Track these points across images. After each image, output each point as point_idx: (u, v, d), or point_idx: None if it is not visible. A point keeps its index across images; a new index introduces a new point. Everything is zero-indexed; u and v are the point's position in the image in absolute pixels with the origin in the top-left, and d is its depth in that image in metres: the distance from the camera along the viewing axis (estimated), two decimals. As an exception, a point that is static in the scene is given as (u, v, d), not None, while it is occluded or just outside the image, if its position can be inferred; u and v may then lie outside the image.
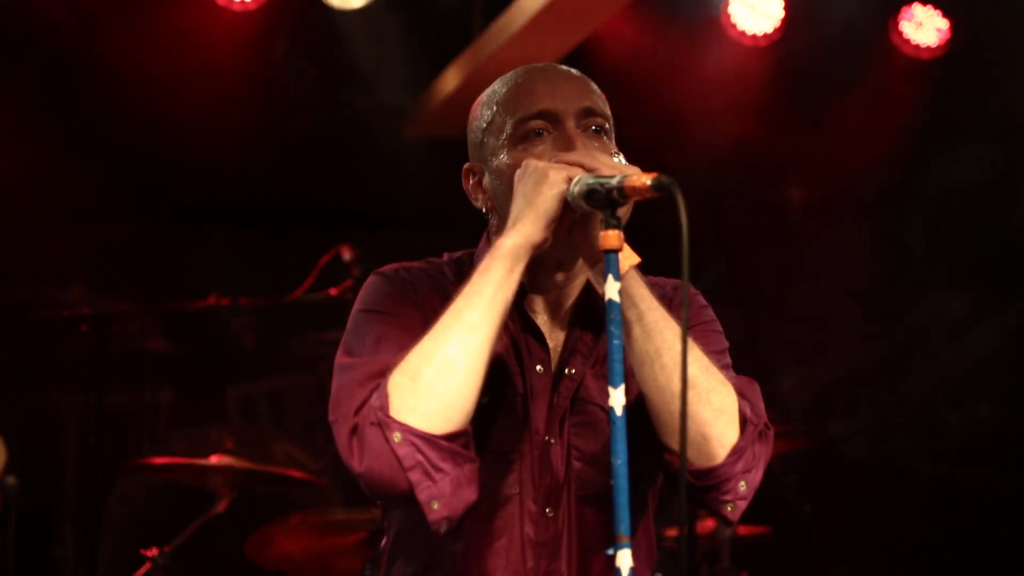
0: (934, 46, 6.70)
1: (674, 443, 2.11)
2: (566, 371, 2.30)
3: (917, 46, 6.69)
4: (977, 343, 6.97)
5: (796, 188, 6.90)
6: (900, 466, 7.04)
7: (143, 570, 4.61)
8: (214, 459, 4.75)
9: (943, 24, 6.70)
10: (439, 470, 2.02)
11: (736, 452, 2.11)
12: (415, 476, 2.01)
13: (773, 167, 6.83)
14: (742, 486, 2.13)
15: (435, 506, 2.03)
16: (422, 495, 2.02)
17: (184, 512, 4.83)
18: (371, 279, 2.34)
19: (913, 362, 7.11)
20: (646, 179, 1.95)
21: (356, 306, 2.31)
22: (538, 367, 2.29)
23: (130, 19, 5.81)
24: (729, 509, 2.15)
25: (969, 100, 6.80)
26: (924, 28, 6.68)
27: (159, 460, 4.97)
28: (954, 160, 6.81)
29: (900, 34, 6.68)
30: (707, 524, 5.27)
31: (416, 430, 2.01)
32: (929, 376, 7.07)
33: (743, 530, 5.35)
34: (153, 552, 4.60)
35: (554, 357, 2.31)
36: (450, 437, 2.04)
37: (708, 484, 2.12)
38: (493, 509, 2.25)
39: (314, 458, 5.98)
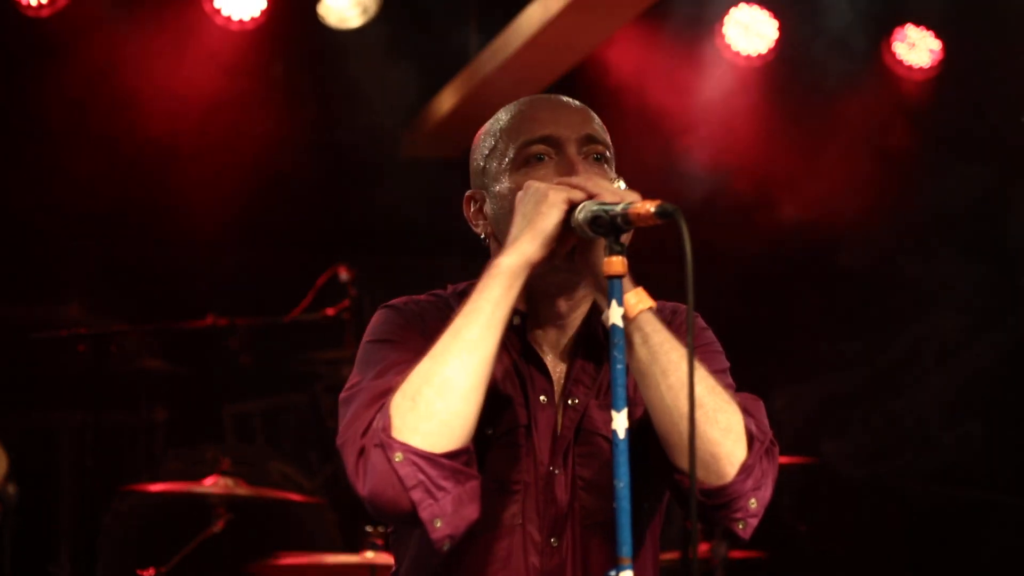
0: (927, 67, 6.75)
1: (684, 463, 2.12)
2: (569, 401, 2.31)
3: (910, 67, 6.74)
4: (969, 363, 6.99)
5: (789, 207, 6.92)
6: (893, 486, 7.05)
7: (139, 589, 4.61)
8: (209, 481, 4.76)
9: (936, 45, 6.75)
10: (441, 488, 2.03)
11: (745, 470, 2.12)
12: (417, 495, 2.02)
13: (767, 187, 6.85)
14: (752, 503, 2.14)
15: (438, 524, 2.03)
16: (424, 514, 2.03)
17: (180, 532, 4.83)
18: (379, 312, 2.36)
19: (905, 382, 7.12)
20: (650, 206, 1.97)
21: (364, 338, 2.32)
22: (542, 397, 2.30)
23: (129, 37, 5.83)
24: (741, 527, 2.16)
25: (962, 120, 6.84)
26: (917, 49, 6.74)
27: (155, 487, 4.97)
28: (946, 180, 6.84)
29: (893, 55, 6.73)
30: (701, 547, 5.27)
31: (417, 449, 2.02)
32: (921, 396, 7.08)
33: (737, 553, 5.35)
34: (149, 572, 4.60)
35: (557, 387, 2.33)
36: (451, 455, 2.04)
37: (719, 503, 2.13)
38: (498, 539, 2.26)
39: (309, 477, 5.98)
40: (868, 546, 6.78)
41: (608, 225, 2.03)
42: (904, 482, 7.03)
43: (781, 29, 6.51)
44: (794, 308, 6.90)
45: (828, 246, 6.84)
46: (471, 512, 2.07)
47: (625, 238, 2.07)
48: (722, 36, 6.49)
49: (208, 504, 4.78)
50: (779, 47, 6.53)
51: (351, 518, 5.28)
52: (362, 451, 2.06)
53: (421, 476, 2.02)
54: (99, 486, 5.24)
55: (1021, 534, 6.69)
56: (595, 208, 2.06)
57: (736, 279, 6.68)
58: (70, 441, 6.00)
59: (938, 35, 6.75)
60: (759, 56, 6.52)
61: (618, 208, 2.02)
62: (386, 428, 2.03)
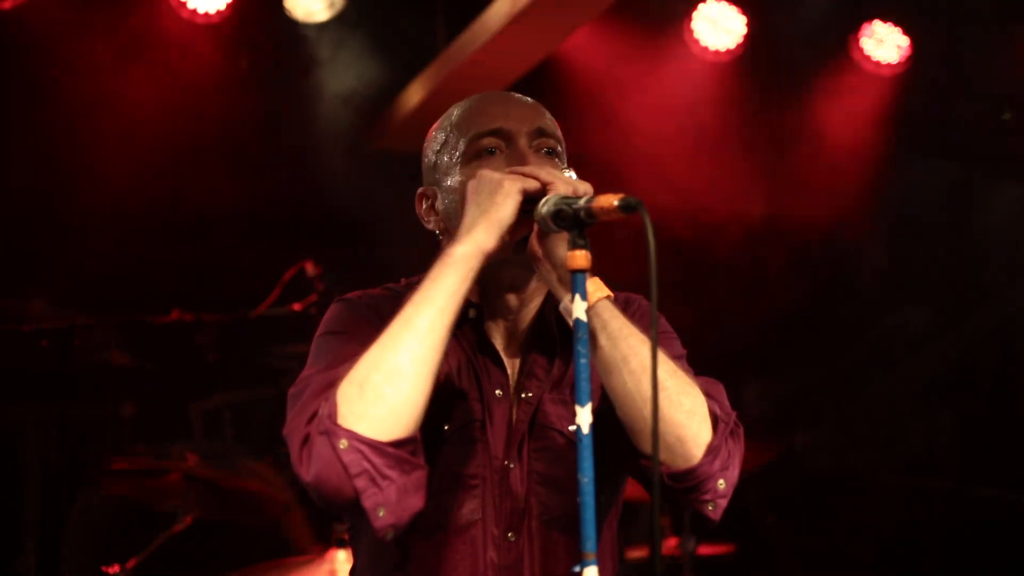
0: (895, 63, 6.76)
1: (649, 448, 2.12)
2: (523, 395, 2.31)
3: (878, 63, 6.76)
4: (938, 354, 7.02)
5: (758, 203, 6.93)
6: (863, 477, 7.07)
7: (104, 586, 4.58)
8: (175, 476, 4.73)
9: (904, 41, 6.77)
10: (385, 477, 2.00)
11: (712, 451, 2.12)
12: (361, 483, 1.99)
13: (735, 181, 6.86)
14: (721, 484, 2.14)
15: (381, 513, 2.01)
16: (368, 502, 2.00)
17: (147, 527, 4.80)
18: (333, 305, 2.36)
19: (875, 374, 7.15)
20: (614, 200, 1.97)
21: (317, 332, 2.32)
22: (497, 391, 2.31)
23: (94, 29, 5.79)
24: (711, 508, 2.16)
25: (930, 116, 6.86)
26: (885, 45, 6.76)
27: (120, 465, 4.93)
28: (915, 175, 6.87)
29: (861, 51, 6.75)
30: (668, 544, 5.28)
31: (363, 437, 1.99)
32: (891, 387, 7.11)
33: (705, 549, 5.36)
34: (114, 568, 4.57)
35: (512, 381, 2.33)
36: (397, 444, 2.01)
37: (688, 485, 2.13)
38: (457, 534, 2.26)
39: (278, 472, 5.95)
40: (838, 537, 6.80)
41: (571, 219, 2.02)
42: (874, 473, 7.06)
43: (749, 24, 6.52)
44: (764, 301, 6.91)
45: (798, 239, 6.85)
46: (415, 502, 2.05)
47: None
48: (690, 31, 6.49)
49: (174, 502, 4.75)
50: (747, 42, 6.53)
51: (320, 514, 5.25)
52: (307, 438, 2.04)
53: (366, 464, 2.00)
54: (65, 482, 5.19)
55: (991, 525, 6.72)
56: (558, 202, 2.06)
57: (706, 273, 6.69)
58: (35, 436, 5.95)
59: (906, 31, 6.77)
60: (727, 51, 6.53)
61: (581, 202, 2.02)
62: (332, 415, 2.01)
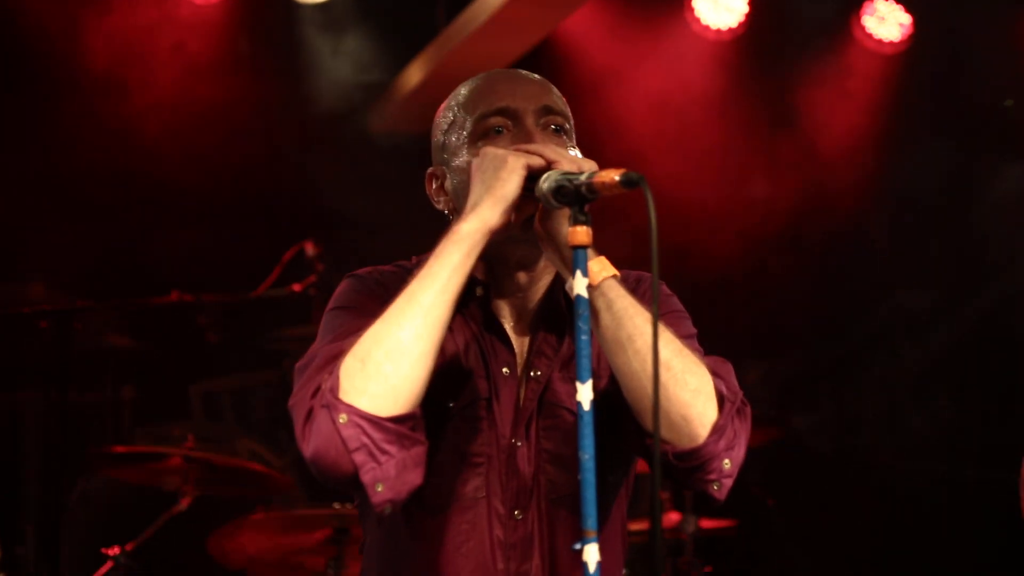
0: (896, 41, 6.74)
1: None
2: (532, 373, 2.30)
3: (880, 41, 6.73)
4: (938, 339, 7.01)
5: (760, 183, 6.91)
6: (862, 460, 7.07)
7: (104, 569, 4.58)
8: (175, 462, 4.72)
9: (905, 19, 6.75)
10: (384, 452, 2.00)
11: (717, 430, 2.10)
12: (359, 458, 1.99)
13: (737, 162, 6.84)
14: (726, 464, 2.12)
15: (379, 488, 2.01)
16: (366, 477, 2.00)
17: (146, 510, 4.80)
18: (344, 281, 2.36)
19: (875, 358, 7.14)
20: (615, 175, 1.95)
21: (327, 308, 2.31)
22: (504, 369, 2.30)
23: (93, 12, 5.77)
24: (715, 488, 2.14)
25: (931, 95, 6.84)
26: (886, 23, 6.73)
27: (121, 449, 4.93)
28: (916, 155, 6.84)
29: (863, 29, 6.72)
30: (671, 518, 5.27)
31: (362, 412, 2.00)
32: (891, 371, 7.10)
33: (707, 524, 5.36)
34: (114, 551, 4.57)
35: (520, 360, 2.32)
36: (397, 420, 2.02)
37: (693, 465, 2.11)
38: (461, 512, 2.26)
39: (278, 455, 5.95)
40: (837, 520, 6.80)
41: (572, 195, 2.01)
42: (873, 456, 7.06)
43: (751, 3, 6.49)
44: (763, 284, 6.89)
45: (798, 221, 6.83)
46: (414, 478, 2.05)
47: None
48: (691, 9, 6.47)
49: (173, 483, 4.75)
50: (749, 21, 6.51)
51: (320, 495, 5.25)
52: (310, 412, 2.04)
53: (365, 439, 2.00)
54: (65, 466, 5.18)
55: (989, 508, 6.72)
56: (559, 178, 2.04)
57: (706, 254, 6.67)
58: (34, 421, 5.93)
59: (908, 9, 6.75)
60: (729, 30, 6.50)
61: (582, 177, 2.00)
62: (333, 389, 2.02)
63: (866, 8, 6.72)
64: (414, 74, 6.35)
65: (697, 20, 6.46)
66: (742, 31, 6.52)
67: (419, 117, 6.35)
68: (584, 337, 1.95)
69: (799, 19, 6.69)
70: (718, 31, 6.49)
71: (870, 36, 6.73)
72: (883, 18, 6.74)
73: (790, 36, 6.66)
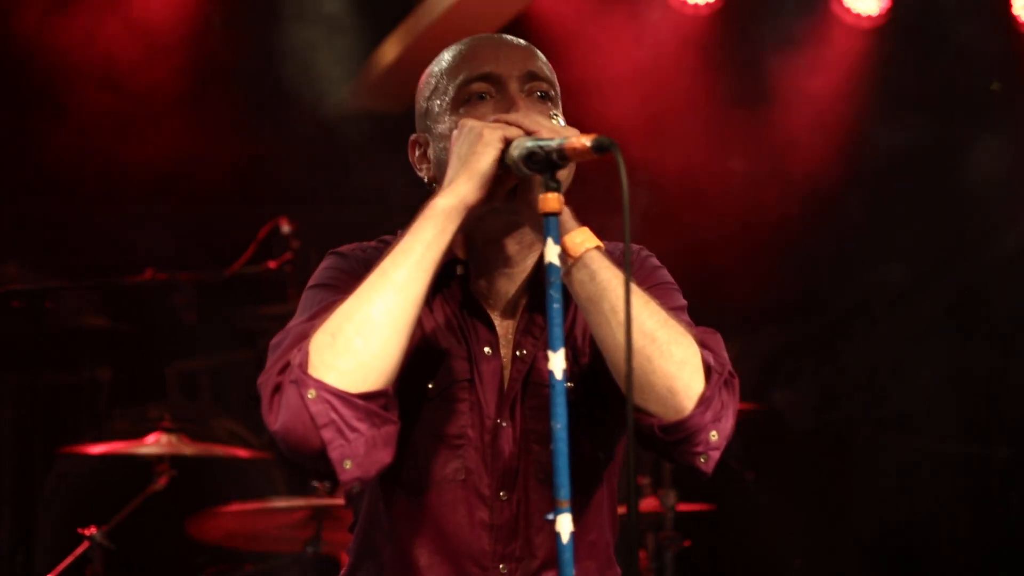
0: (875, 15, 6.71)
1: (640, 400, 2.07)
2: (518, 352, 2.27)
3: (858, 15, 6.70)
4: (918, 313, 7.02)
5: (737, 158, 6.90)
6: (842, 434, 7.08)
7: (80, 549, 4.55)
8: (151, 438, 4.71)
9: (884, -7, 6.71)
10: (353, 429, 1.97)
11: (704, 402, 2.07)
12: (328, 434, 1.96)
13: (714, 137, 6.82)
14: (713, 436, 2.08)
15: (347, 465, 1.98)
16: (334, 454, 1.97)
17: (123, 490, 4.77)
18: (325, 258, 2.33)
19: (855, 332, 7.14)
20: (586, 140, 1.92)
21: (308, 284, 2.29)
22: (486, 349, 2.26)
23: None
24: (702, 460, 2.10)
25: (910, 70, 6.82)
26: (865, -3, 6.69)
27: (96, 448, 4.91)
28: (894, 129, 6.83)
29: (840, 3, 6.69)
30: (651, 502, 5.26)
31: (331, 387, 1.96)
32: (870, 346, 7.11)
33: (685, 506, 5.35)
34: (91, 531, 4.54)
35: (506, 339, 2.29)
36: (367, 396, 1.98)
37: (679, 437, 2.07)
38: (440, 494, 2.23)
39: (256, 434, 5.93)
40: (817, 494, 6.81)
41: (543, 161, 1.98)
42: (853, 431, 7.07)
43: (727, -24, 6.46)
44: (743, 257, 6.88)
45: (776, 196, 6.82)
46: (384, 456, 2.01)
47: (564, 176, 2.03)
48: (668, -16, 6.43)
49: (150, 461, 4.73)
50: (725, -4, 6.47)
51: (298, 474, 5.23)
52: (277, 387, 2.01)
53: (333, 415, 1.96)
54: (43, 447, 5.15)
55: (970, 482, 6.74)
56: (530, 144, 2.01)
57: (684, 229, 6.66)
58: (9, 402, 5.90)
59: (886, -17, 6.72)
60: (706, 4, 6.47)
61: (553, 143, 1.97)
62: (302, 364, 1.98)
63: (844, -19, 6.69)
64: (389, 50, 6.31)
65: (674, -5, 6.43)
66: (719, 5, 6.48)
67: (395, 94, 6.36)
68: (556, 306, 1.92)
69: (776, -7, 6.66)
70: (695, 6, 6.45)
71: (848, 10, 6.70)
72: (861, -8, 6.71)
73: (767, 10, 6.63)
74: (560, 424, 1.88)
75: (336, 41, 6.38)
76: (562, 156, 1.95)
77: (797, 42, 6.71)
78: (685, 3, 6.43)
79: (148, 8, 5.94)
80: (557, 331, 1.91)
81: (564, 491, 1.87)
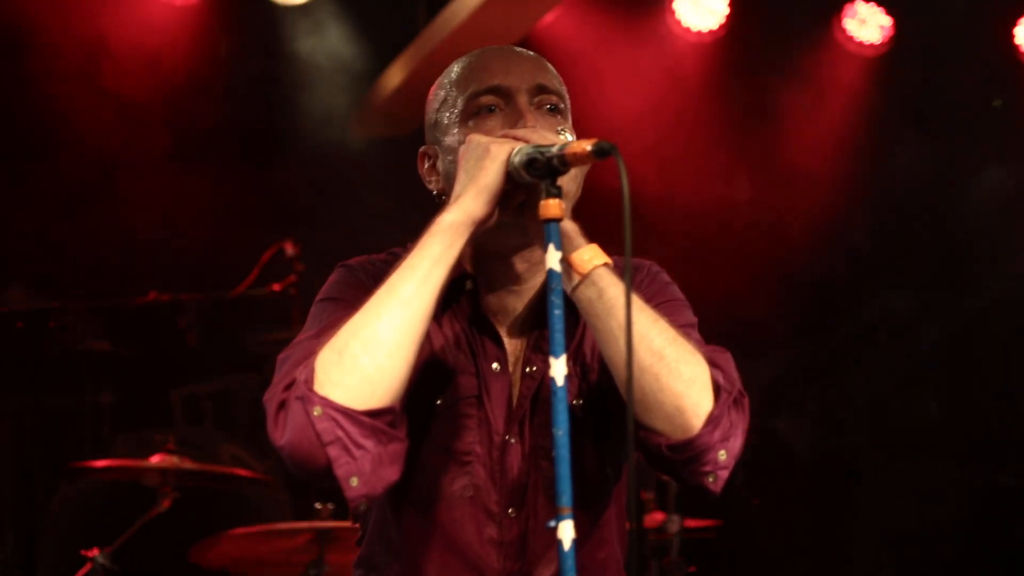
0: (877, 43, 6.75)
1: (648, 419, 2.05)
2: (527, 369, 2.25)
3: (860, 43, 6.74)
4: (922, 339, 7.01)
5: (739, 185, 6.90)
6: (847, 461, 7.05)
7: (83, 571, 4.54)
8: (155, 459, 4.70)
9: (886, 21, 6.75)
10: (360, 447, 1.95)
11: (712, 421, 2.04)
12: (334, 451, 1.94)
13: (718, 164, 6.83)
14: (722, 455, 2.05)
15: (354, 483, 1.96)
16: (340, 471, 1.95)
17: (126, 513, 4.76)
18: (334, 271, 2.31)
19: (860, 358, 7.13)
20: (586, 145, 1.92)
21: (317, 297, 2.27)
22: (494, 365, 2.25)
23: (71, 12, 5.75)
24: (711, 480, 2.07)
25: (912, 97, 6.84)
26: (867, 25, 6.74)
27: (99, 463, 4.90)
28: (897, 157, 6.85)
29: (844, 31, 6.72)
30: (655, 517, 5.25)
31: (337, 404, 1.95)
32: (875, 372, 7.09)
33: (691, 523, 5.33)
34: (94, 552, 4.53)
35: (515, 355, 2.27)
36: (374, 413, 1.97)
37: (687, 457, 2.05)
38: (447, 511, 2.21)
39: (260, 459, 5.91)
40: (821, 520, 6.78)
41: (544, 167, 1.97)
42: (858, 457, 7.04)
43: (732, 5, 6.48)
44: (747, 284, 6.87)
45: (781, 221, 6.82)
46: (390, 474, 2.00)
47: (567, 183, 2.03)
48: (672, 12, 6.45)
49: (153, 485, 4.72)
50: (729, 23, 6.50)
51: (302, 497, 5.22)
52: (283, 404, 1.99)
53: (339, 432, 1.95)
54: (44, 471, 5.14)
55: (973, 508, 6.72)
56: (530, 151, 2.01)
57: (689, 253, 6.65)
58: (11, 424, 5.89)
59: (888, 11, 6.75)
60: (710, 32, 6.50)
61: (554, 149, 1.97)
62: (308, 381, 1.97)
63: (847, 11, 6.72)
64: (394, 75, 6.33)
65: (678, 22, 6.45)
66: (723, 33, 6.51)
67: (399, 118, 6.38)
68: (557, 312, 1.91)
69: (780, 22, 6.69)
70: (699, 33, 6.48)
71: (851, 39, 6.74)
72: (864, 20, 6.74)
73: (771, 39, 6.66)
74: (561, 431, 1.87)
75: (342, 65, 6.41)
76: (563, 161, 1.95)
77: (801, 70, 6.74)
78: (689, 31, 6.46)
79: (155, 32, 5.97)
80: (558, 337, 1.90)
81: (566, 498, 1.86)
